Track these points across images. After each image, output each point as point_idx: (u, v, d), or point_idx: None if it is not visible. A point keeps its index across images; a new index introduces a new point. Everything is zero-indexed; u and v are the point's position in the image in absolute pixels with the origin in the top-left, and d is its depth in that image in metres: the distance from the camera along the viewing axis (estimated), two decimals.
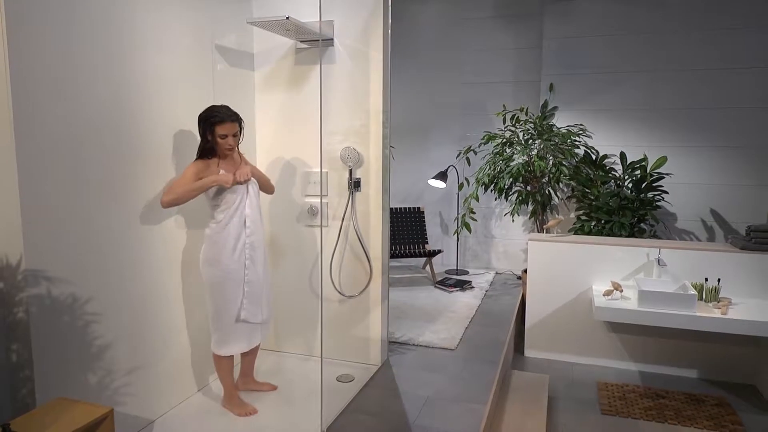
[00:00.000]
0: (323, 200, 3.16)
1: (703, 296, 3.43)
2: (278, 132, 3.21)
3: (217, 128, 2.39)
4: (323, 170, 3.14)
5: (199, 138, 2.49)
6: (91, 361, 2.18)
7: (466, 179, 5.19)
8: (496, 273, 5.42)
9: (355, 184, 3.08)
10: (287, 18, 2.57)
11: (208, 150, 2.46)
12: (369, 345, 3.22)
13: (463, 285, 4.80)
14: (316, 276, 3.24)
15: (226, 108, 2.44)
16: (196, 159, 2.47)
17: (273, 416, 2.62)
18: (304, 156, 3.18)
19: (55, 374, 2.02)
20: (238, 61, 3.06)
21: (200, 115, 2.44)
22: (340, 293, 3.18)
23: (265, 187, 2.73)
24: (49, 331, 1.99)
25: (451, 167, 5.24)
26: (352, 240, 3.14)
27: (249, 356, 2.83)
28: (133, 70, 2.32)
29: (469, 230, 4.83)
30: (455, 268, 5.49)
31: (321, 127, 2.46)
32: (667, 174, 4.39)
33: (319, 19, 2.28)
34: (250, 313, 2.57)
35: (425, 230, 5.27)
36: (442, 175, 5.06)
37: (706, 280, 3.48)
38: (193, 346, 2.80)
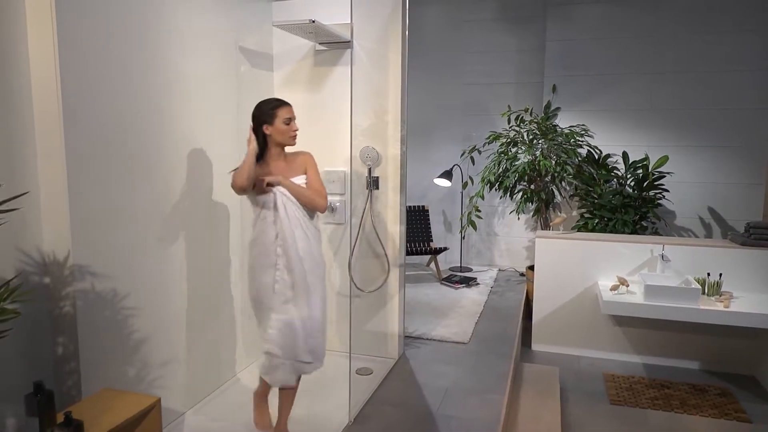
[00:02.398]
0: (342, 199, 3.25)
1: (706, 290, 3.56)
2: (298, 132, 3.27)
3: (281, 111, 2.24)
4: (342, 169, 3.22)
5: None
6: (129, 354, 2.25)
7: (470, 178, 5.30)
8: (499, 270, 5.54)
9: (373, 183, 3.17)
10: (313, 21, 2.65)
11: (264, 147, 2.27)
12: (386, 339, 3.31)
13: (468, 282, 4.91)
14: (335, 272, 3.32)
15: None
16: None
17: (299, 408, 2.69)
18: (323, 155, 3.23)
19: (99, 366, 2.08)
20: (259, 62, 3.13)
21: (258, 107, 2.26)
22: (358, 289, 3.27)
23: (308, 202, 2.30)
24: (93, 325, 2.06)
25: (455, 166, 5.34)
26: (370, 237, 3.23)
27: (281, 395, 2.39)
28: (168, 71, 2.39)
29: (475, 228, 4.94)
30: (459, 265, 5.59)
31: (351, 127, 2.54)
32: (668, 173, 4.53)
33: (350, 20, 2.37)
34: (271, 345, 2.26)
35: (430, 228, 5.36)
36: (448, 174, 5.16)
37: (709, 274, 3.61)
38: (220, 341, 2.87)
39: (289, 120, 2.26)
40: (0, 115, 1.80)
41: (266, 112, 2.23)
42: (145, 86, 2.27)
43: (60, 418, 1.67)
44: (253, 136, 2.23)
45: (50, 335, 2.01)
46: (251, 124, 2.28)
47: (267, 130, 2.24)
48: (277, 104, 2.25)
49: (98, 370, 2.08)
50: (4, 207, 1.40)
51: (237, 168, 2.23)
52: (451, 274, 5.19)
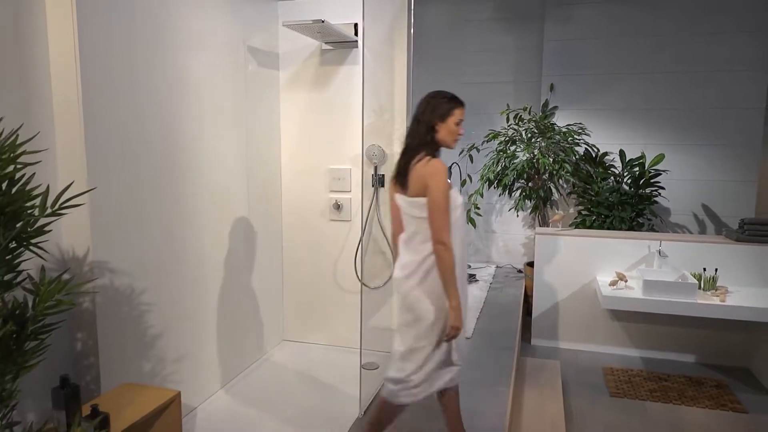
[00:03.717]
0: (347, 196, 3.30)
1: (702, 285, 3.65)
2: (303, 130, 3.33)
3: (458, 111, 2.00)
4: (348, 167, 3.27)
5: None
6: (145, 349, 2.29)
7: (469, 176, 5.36)
8: (497, 266, 5.61)
9: (379, 181, 3.22)
10: (323, 21, 2.69)
11: (432, 144, 2.00)
12: (391, 334, 3.36)
13: (467, 278, 4.97)
14: (340, 269, 3.37)
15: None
16: (433, 157, 1.98)
17: (311, 402, 2.75)
18: (329, 153, 3.30)
19: (117, 361, 2.12)
20: (266, 61, 3.17)
21: (433, 99, 2.01)
22: (364, 285, 3.31)
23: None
24: (112, 321, 2.09)
25: (454, 164, 5.40)
26: (376, 234, 3.28)
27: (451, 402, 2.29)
28: (181, 69, 2.42)
29: (474, 225, 5.00)
30: None
31: (363, 126, 2.57)
32: (664, 171, 4.62)
33: (361, 20, 2.41)
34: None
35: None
36: (447, 173, 5.21)
37: (705, 270, 3.70)
38: (230, 337, 2.91)
39: (460, 121, 2.01)
40: (21, 113, 1.82)
41: (443, 108, 1.98)
42: (161, 85, 2.30)
43: (86, 411, 1.71)
44: None
45: (69, 331, 2.04)
46: (420, 121, 2.00)
47: (438, 127, 1.97)
48: (454, 102, 2.00)
49: (116, 365, 2.11)
50: (74, 201, 1.50)
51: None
52: None
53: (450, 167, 5.24)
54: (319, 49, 3.23)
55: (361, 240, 3.29)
